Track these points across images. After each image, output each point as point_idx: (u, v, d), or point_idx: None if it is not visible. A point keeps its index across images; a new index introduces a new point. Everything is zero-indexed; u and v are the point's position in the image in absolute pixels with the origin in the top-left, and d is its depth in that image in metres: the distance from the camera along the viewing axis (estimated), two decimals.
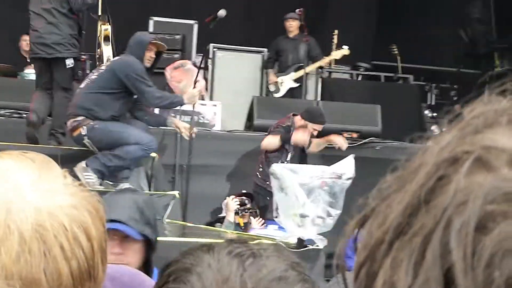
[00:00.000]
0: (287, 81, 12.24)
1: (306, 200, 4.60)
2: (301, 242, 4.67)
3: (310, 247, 4.67)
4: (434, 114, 15.08)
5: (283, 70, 12.42)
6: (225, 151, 10.20)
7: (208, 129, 10.66)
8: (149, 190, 8.52)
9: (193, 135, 8.70)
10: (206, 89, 9.67)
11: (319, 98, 12.39)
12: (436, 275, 0.49)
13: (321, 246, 4.71)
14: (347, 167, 4.70)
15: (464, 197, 0.50)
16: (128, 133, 7.96)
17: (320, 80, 12.99)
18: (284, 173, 4.54)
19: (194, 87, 8.67)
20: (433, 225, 0.50)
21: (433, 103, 15.70)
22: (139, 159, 8.24)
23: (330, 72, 14.29)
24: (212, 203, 9.39)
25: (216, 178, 9.98)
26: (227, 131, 10.87)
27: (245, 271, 1.03)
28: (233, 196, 8.57)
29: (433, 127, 13.78)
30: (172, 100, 8.23)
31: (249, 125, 11.13)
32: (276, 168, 4.53)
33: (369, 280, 0.54)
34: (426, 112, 14.79)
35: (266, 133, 10.05)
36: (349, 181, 4.94)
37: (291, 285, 1.04)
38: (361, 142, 10.56)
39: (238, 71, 12.77)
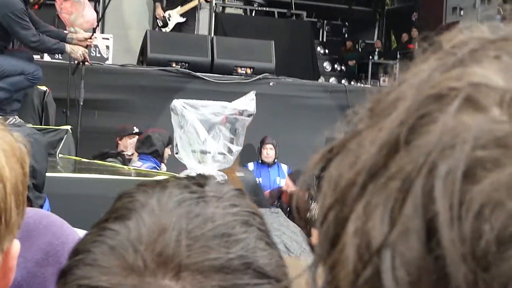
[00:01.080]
0: (174, 16, 12.05)
1: (207, 136, 4.58)
2: None
3: None
4: (326, 51, 15.26)
5: (170, 4, 12.20)
6: (118, 85, 10.04)
7: (100, 62, 10.44)
8: (41, 125, 8.32)
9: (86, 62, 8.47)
10: (98, 22, 9.41)
11: (212, 34, 12.30)
12: (417, 226, 0.44)
13: (222, 182, 4.71)
14: (248, 103, 4.69)
15: (452, 140, 0.45)
16: (12, 64, 7.72)
17: (213, 15, 12.89)
18: (184, 109, 4.49)
19: (88, 42, 8.36)
20: (414, 169, 0.45)
21: (324, 40, 15.87)
22: (26, 89, 8.02)
23: (223, 7, 14.19)
24: (104, 138, 9.25)
25: (109, 112, 9.85)
26: (120, 65, 10.68)
27: (187, 224, 0.93)
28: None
29: (325, 64, 13.95)
30: (50, 47, 7.96)
31: (142, 59, 10.96)
32: (176, 103, 4.47)
33: (339, 226, 0.49)
34: (318, 48, 14.94)
35: (161, 68, 9.94)
36: (250, 118, 4.95)
37: (233, 244, 0.93)
38: (255, 78, 10.58)
39: (129, 3, 12.51)
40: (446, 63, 0.50)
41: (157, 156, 7.79)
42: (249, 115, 4.78)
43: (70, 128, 8.10)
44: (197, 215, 0.94)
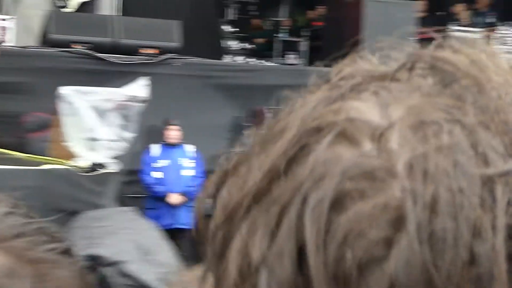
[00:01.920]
0: None
1: (98, 123, 4.50)
2: (93, 166, 4.59)
3: (103, 171, 4.61)
4: (233, 29, 15.23)
5: None
6: (18, 67, 9.81)
7: (1, 45, 10.17)
8: None
9: None
10: None
11: (117, 13, 12.11)
12: (290, 249, 0.48)
13: (113, 170, 4.66)
14: (140, 89, 4.62)
15: (323, 172, 0.48)
16: None
17: None
18: (73, 96, 4.40)
19: None
20: (290, 197, 0.49)
21: (232, 18, 15.82)
22: None
23: None
24: (6, 122, 9.04)
25: (10, 96, 9.62)
26: (20, 47, 10.42)
27: None
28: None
29: (231, 42, 13.91)
30: None
31: (43, 40, 10.72)
32: (64, 91, 4.37)
33: (225, 244, 0.53)
34: (225, 27, 14.89)
35: (62, 50, 9.74)
36: (143, 104, 4.88)
37: None
38: (159, 59, 10.48)
39: None
40: (330, 96, 0.53)
41: None
42: (141, 101, 4.71)
43: None
44: None
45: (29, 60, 10.00)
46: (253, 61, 13.29)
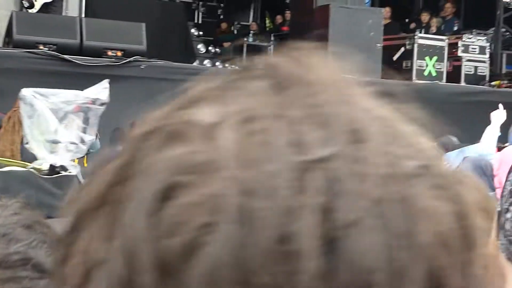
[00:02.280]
0: None
1: (58, 125, 4.48)
2: (53, 169, 4.56)
3: (63, 173, 4.58)
4: (201, 33, 15.22)
5: None
6: None
7: None
8: None
9: None
10: None
11: (83, 15, 12.05)
12: (122, 244, 0.50)
13: (74, 172, 4.63)
14: (101, 92, 4.60)
15: (153, 169, 0.50)
16: None
17: None
18: (34, 98, 4.37)
19: None
20: (124, 197, 0.51)
21: (200, 21, 15.81)
22: None
23: None
24: None
25: None
26: None
27: None
28: None
29: (199, 46, 13.93)
30: None
31: (8, 41, 10.64)
32: (25, 92, 4.34)
33: (68, 249, 0.54)
34: (193, 30, 14.87)
35: (27, 50, 9.66)
36: (103, 107, 4.86)
37: (13, 243, 1.09)
38: (125, 61, 10.45)
39: None
40: (171, 107, 0.54)
41: None
42: (101, 104, 4.70)
43: None
44: None
45: None
46: (220, 65, 13.29)
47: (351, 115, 0.53)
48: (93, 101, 4.55)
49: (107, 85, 4.62)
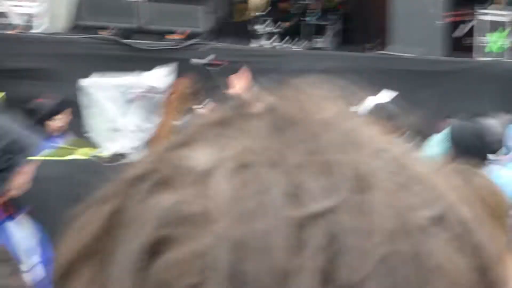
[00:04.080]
0: None
1: (118, 114, 4.55)
2: (114, 156, 4.65)
3: (124, 160, 4.67)
4: (261, 13, 15.17)
5: None
6: (45, 54, 9.89)
7: (26, 31, 10.26)
8: None
9: None
10: None
11: None
12: None
13: (134, 159, 4.72)
14: (160, 80, 4.66)
15: (140, 220, 0.48)
16: None
17: None
18: (94, 87, 4.45)
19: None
20: (111, 249, 0.49)
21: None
22: None
23: None
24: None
25: (37, 82, 9.71)
26: (46, 34, 10.50)
27: None
28: None
29: (258, 26, 13.90)
30: None
31: (70, 27, 10.79)
32: (86, 82, 4.42)
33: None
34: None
35: (89, 36, 9.78)
36: (161, 95, 4.93)
37: None
38: (185, 44, 10.50)
39: None
40: (165, 147, 0.52)
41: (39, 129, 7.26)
42: (160, 92, 4.76)
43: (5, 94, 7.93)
44: None
45: (56, 46, 10.07)
46: (280, 45, 13.26)
47: (356, 160, 0.49)
48: (152, 89, 4.60)
49: (167, 73, 4.66)
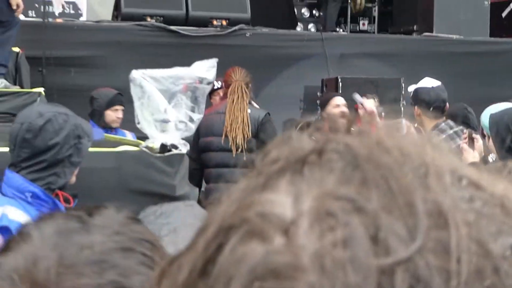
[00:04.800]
0: None
1: (167, 105, 4.62)
2: (164, 147, 4.72)
3: (174, 151, 4.73)
4: None
5: None
6: (93, 42, 10.00)
7: (73, 19, 10.39)
8: (15, 85, 8.32)
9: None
10: None
11: None
12: None
13: (184, 151, 4.77)
14: (208, 71, 4.71)
15: (231, 272, 0.47)
16: None
17: None
18: (144, 79, 4.52)
19: None
20: None
21: None
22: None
23: None
24: (81, 96, 9.24)
25: (85, 70, 9.84)
26: (94, 22, 10.62)
27: (62, 252, 1.00)
28: None
29: (303, 10, 13.87)
30: None
31: (117, 14, 10.90)
32: (135, 74, 4.49)
33: None
34: None
35: (136, 23, 9.91)
36: (210, 86, 4.98)
37: (107, 270, 1.00)
38: (230, 30, 10.54)
39: None
40: (248, 187, 0.52)
41: (96, 118, 7.34)
42: (208, 83, 4.81)
43: (44, 91, 8.07)
44: (74, 244, 1.01)
45: (103, 34, 10.18)
46: (323, 30, 13.21)
47: (435, 195, 0.48)
48: (200, 81, 4.66)
49: (215, 64, 4.70)
